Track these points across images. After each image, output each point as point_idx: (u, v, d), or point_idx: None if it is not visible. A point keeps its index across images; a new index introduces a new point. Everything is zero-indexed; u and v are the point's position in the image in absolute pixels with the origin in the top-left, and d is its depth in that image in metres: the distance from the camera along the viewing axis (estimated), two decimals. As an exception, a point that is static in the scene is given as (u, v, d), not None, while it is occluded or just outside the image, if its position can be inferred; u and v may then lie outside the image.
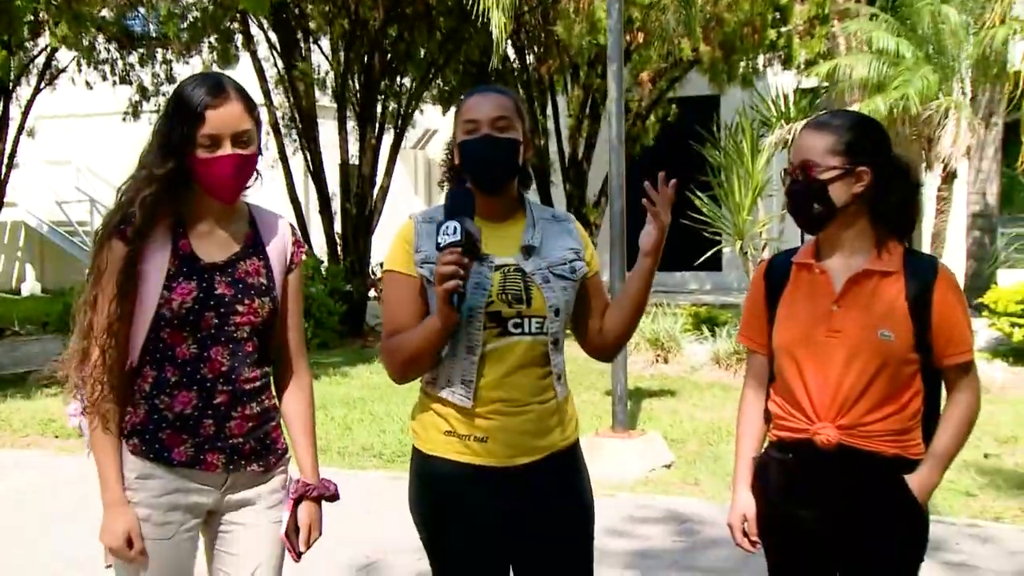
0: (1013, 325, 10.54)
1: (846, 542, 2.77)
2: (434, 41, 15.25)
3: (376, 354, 13.39)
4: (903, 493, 2.72)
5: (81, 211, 22.74)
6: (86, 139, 22.08)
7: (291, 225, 2.94)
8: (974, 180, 12.82)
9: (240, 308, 2.72)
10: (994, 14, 10.70)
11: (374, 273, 16.47)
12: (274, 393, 2.89)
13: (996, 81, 11.83)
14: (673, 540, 5.77)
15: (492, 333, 2.74)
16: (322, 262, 15.26)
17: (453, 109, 3.02)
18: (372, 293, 15.88)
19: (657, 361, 11.58)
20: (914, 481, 2.72)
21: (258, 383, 2.78)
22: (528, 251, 2.81)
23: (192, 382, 2.68)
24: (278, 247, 2.84)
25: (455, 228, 2.63)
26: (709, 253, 12.71)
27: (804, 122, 3.12)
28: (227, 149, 2.62)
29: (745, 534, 2.94)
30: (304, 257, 2.96)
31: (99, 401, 2.64)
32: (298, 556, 2.88)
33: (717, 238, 12.63)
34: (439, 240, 2.64)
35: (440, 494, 2.82)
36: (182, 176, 2.64)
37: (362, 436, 8.55)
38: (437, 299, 2.63)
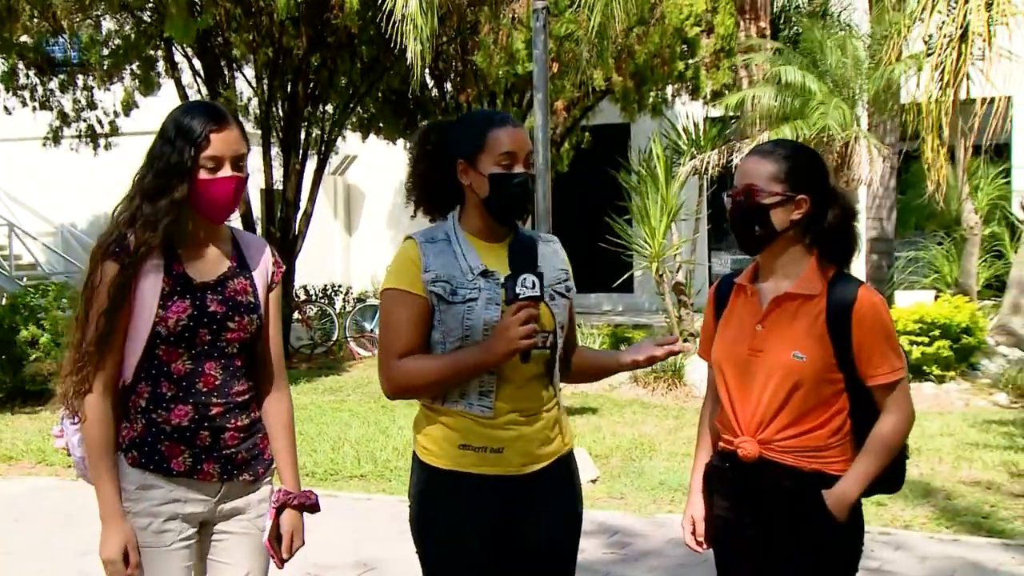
0: (912, 343, 10.93)
1: (778, 550, 2.87)
2: (356, 70, 15.42)
3: (301, 375, 13.56)
4: (821, 508, 2.80)
5: (-1, 236, 22.43)
6: (4, 164, 21.79)
7: (271, 247, 3.05)
8: (871, 206, 13.45)
9: (231, 324, 2.82)
10: (891, 52, 11.33)
11: (298, 296, 16.66)
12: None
13: (891, 113, 12.52)
14: (604, 552, 5.94)
15: None
16: (246, 286, 15.34)
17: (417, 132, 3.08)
18: (296, 316, 16.06)
19: (577, 379, 11.92)
20: (829, 496, 2.80)
21: (247, 395, 2.88)
22: None
23: (188, 396, 2.77)
24: (261, 267, 2.95)
25: (534, 283, 2.72)
26: (625, 276, 13.13)
27: (749, 149, 3.28)
28: (228, 171, 2.74)
29: (695, 536, 3.07)
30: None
31: (97, 414, 2.72)
32: (282, 563, 2.96)
33: (631, 260, 13.03)
34: (518, 291, 2.71)
35: (455, 508, 2.85)
36: None
37: (293, 455, 8.70)
38: (500, 345, 2.71)
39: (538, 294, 2.73)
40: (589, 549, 5.89)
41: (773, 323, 2.86)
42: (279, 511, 2.93)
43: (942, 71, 10.82)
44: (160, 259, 2.75)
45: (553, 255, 3.01)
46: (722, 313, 3.03)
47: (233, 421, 2.83)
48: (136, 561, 2.71)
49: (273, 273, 2.98)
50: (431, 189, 2.99)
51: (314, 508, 3.01)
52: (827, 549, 2.86)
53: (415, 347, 2.85)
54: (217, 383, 2.80)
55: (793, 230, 2.86)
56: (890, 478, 2.91)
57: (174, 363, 2.76)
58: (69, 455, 2.94)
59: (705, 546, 3.07)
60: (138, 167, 2.78)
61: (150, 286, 2.73)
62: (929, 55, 11.23)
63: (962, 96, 10.95)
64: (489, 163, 2.84)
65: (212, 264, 2.85)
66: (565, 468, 3.00)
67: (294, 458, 3.01)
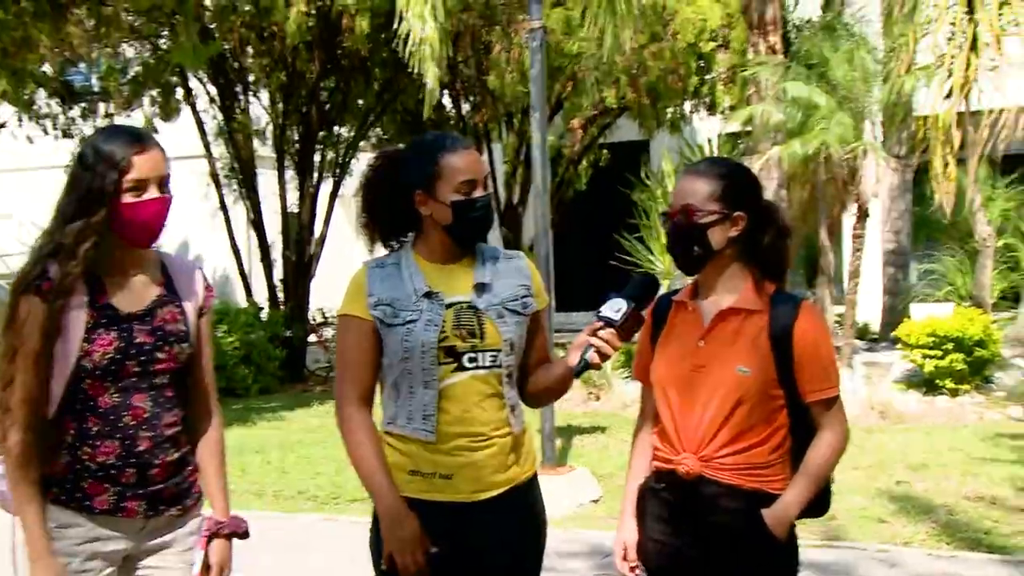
0: (925, 357, 10.84)
1: (716, 571, 2.84)
2: (370, 92, 15.53)
3: (315, 398, 13.57)
4: (760, 527, 2.78)
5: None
6: (28, 192, 22.04)
7: (201, 270, 2.98)
8: (887, 219, 13.34)
9: (160, 355, 2.74)
10: (900, 63, 11.25)
11: (314, 319, 16.72)
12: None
13: (903, 125, 12.41)
14: (595, 573, 5.90)
15: (448, 368, 2.79)
16: (262, 308, 15.45)
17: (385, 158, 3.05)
18: (312, 338, 16.12)
19: (590, 398, 11.83)
20: (768, 515, 2.78)
21: (178, 427, 2.80)
22: (481, 288, 2.86)
23: (115, 431, 2.68)
24: (191, 292, 2.87)
25: (620, 309, 2.74)
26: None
27: (685, 168, 3.31)
28: (153, 193, 2.67)
29: (627, 562, 3.03)
30: (216, 302, 3.11)
31: (24, 450, 2.63)
32: None
33: (644, 279, 12.98)
34: (601, 309, 2.75)
35: None
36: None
37: (297, 479, 8.65)
38: (384, 523, 2.78)
39: (618, 320, 2.74)
40: (580, 571, 5.92)
41: (716, 338, 2.84)
42: (208, 540, 2.86)
43: (951, 82, 10.73)
44: (84, 290, 2.68)
45: (515, 272, 2.96)
46: (659, 332, 2.98)
47: (161, 457, 2.75)
48: None
49: (205, 298, 2.92)
50: (390, 219, 2.96)
51: (244, 535, 2.94)
52: (767, 568, 2.85)
53: (366, 379, 2.87)
54: (146, 415, 2.73)
55: (731, 248, 2.85)
56: (818, 501, 2.89)
57: (100, 397, 2.69)
58: None
59: (639, 571, 3.02)
60: (58, 197, 2.73)
61: (74, 319, 2.65)
62: (939, 67, 11.14)
63: (973, 107, 10.85)
64: (448, 190, 2.82)
65: (139, 293, 2.78)
66: (523, 495, 2.94)
67: (224, 484, 2.95)
